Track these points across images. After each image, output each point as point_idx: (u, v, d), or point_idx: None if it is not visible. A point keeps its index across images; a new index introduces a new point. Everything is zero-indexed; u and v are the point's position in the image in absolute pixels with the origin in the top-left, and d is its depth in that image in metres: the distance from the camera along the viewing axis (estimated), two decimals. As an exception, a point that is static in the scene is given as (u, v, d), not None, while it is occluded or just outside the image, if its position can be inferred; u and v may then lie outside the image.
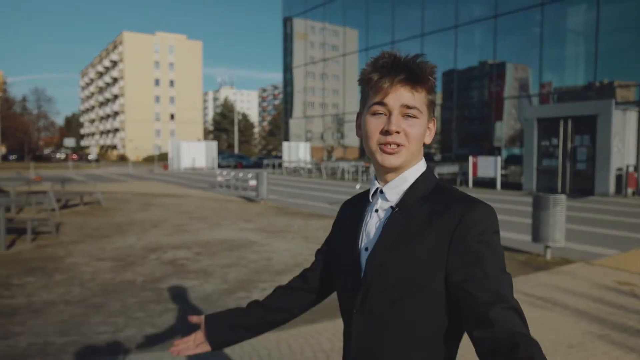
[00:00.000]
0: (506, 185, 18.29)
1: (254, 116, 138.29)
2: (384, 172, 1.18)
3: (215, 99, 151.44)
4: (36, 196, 11.50)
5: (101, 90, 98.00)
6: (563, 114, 15.59)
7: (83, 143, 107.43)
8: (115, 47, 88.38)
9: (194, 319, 1.44)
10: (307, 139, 36.18)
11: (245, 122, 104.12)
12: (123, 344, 3.92)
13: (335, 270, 1.30)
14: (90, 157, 55.29)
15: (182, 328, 4.28)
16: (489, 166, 17.68)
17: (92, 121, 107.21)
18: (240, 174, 18.16)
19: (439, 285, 1.08)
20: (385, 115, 1.13)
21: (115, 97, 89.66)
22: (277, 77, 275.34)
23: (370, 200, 1.23)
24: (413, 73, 1.12)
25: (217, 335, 1.41)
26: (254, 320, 1.44)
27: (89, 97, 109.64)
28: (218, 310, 1.66)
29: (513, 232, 9.02)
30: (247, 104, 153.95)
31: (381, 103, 1.12)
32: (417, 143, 1.15)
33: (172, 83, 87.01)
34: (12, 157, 70.23)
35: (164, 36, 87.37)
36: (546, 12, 19.55)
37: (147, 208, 12.83)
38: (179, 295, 5.24)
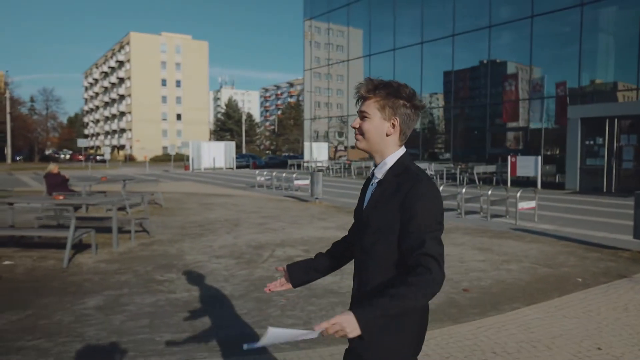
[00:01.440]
0: (544, 185, 18.55)
1: (255, 116, 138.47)
2: (372, 158, 1.83)
3: (216, 99, 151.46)
4: (111, 196, 11.68)
5: (106, 90, 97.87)
6: (608, 114, 15.86)
7: (83, 143, 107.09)
8: (121, 47, 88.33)
9: (280, 268, 2.12)
10: (314, 139, 36.50)
11: (250, 122, 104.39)
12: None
13: (355, 217, 1.92)
14: (105, 157, 55.33)
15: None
16: (529, 165, 17.94)
17: (96, 121, 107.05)
18: (284, 174, 18.36)
19: (397, 229, 1.66)
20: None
21: (122, 97, 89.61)
22: (278, 77, 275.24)
23: (370, 177, 1.87)
24: (359, 92, 1.78)
25: (296, 277, 2.08)
26: (320, 265, 2.10)
27: (92, 98, 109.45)
28: None
29: (605, 232, 9.27)
30: (249, 104, 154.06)
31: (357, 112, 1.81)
32: (372, 134, 1.77)
33: (178, 83, 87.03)
34: (19, 157, 70.29)
35: (171, 36, 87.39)
36: (585, 12, 19.84)
37: (209, 207, 13.02)
38: (330, 290, 5.46)
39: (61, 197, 7.82)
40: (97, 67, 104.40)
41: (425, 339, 3.94)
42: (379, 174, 1.78)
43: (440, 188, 12.81)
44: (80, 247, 7.44)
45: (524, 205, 10.30)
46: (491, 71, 24.28)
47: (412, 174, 1.70)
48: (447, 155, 26.24)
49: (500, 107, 24.08)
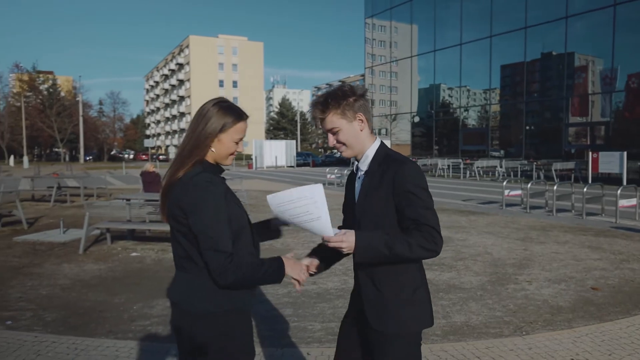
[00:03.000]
0: (628, 182, 17.62)
1: (307, 115, 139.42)
2: (355, 157, 1.97)
3: (268, 99, 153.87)
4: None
5: (167, 92, 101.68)
6: None
7: (149, 143, 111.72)
8: (181, 50, 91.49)
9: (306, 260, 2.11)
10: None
11: (303, 120, 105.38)
12: (462, 328, 4.21)
13: (345, 212, 2.06)
14: (170, 157, 57.62)
15: (506, 314, 4.53)
16: (612, 162, 17.11)
17: (157, 122, 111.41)
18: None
19: (393, 212, 1.83)
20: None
21: (182, 98, 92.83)
22: (330, 76, 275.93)
23: (355, 172, 2.01)
24: (316, 117, 1.92)
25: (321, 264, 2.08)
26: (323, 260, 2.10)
27: (153, 100, 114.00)
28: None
29: None
30: (301, 102, 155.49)
31: (324, 132, 1.95)
32: (350, 139, 1.90)
33: (235, 84, 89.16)
34: (88, 158, 74.40)
35: (227, 38, 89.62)
36: None
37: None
38: (453, 285, 5.51)
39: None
40: (157, 70, 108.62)
41: (577, 336, 3.94)
42: (364, 166, 1.93)
43: (529, 185, 12.44)
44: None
45: (624, 202, 9.89)
46: (567, 64, 23.34)
47: (393, 159, 1.88)
48: (515, 152, 25.47)
49: (577, 100, 23.11)
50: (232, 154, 1.85)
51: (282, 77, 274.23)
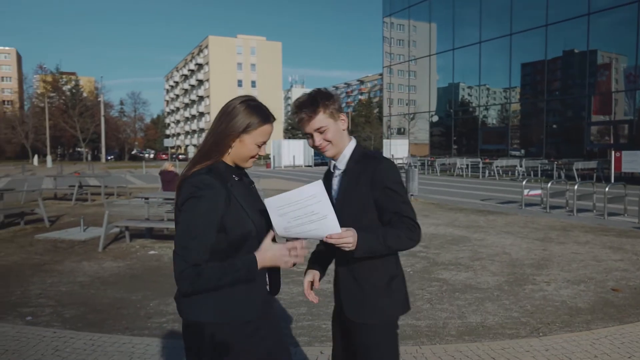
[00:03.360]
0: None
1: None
2: (334, 157, 2.00)
3: (287, 99, 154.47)
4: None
5: (186, 92, 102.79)
6: None
7: (169, 143, 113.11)
8: (200, 50, 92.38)
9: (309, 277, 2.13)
10: (388, 136, 36.14)
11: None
12: (478, 329, 4.16)
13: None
14: (190, 156, 58.32)
15: (515, 313, 4.46)
16: (636, 161, 16.76)
17: (177, 122, 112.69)
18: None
19: (372, 208, 1.91)
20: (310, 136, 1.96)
21: (201, 98, 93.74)
22: (348, 75, 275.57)
23: (332, 170, 2.05)
24: (304, 116, 1.92)
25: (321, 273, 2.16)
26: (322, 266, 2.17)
27: (173, 100, 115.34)
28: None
29: None
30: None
31: (306, 133, 1.96)
32: (336, 137, 1.94)
33: (253, 84, 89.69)
34: (110, 157, 75.69)
35: (246, 38, 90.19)
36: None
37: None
38: (469, 285, 5.45)
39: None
40: (177, 71, 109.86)
41: (596, 337, 3.85)
42: (341, 165, 1.99)
43: (549, 185, 12.25)
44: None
45: (647, 203, 9.65)
46: (589, 61, 22.88)
47: (370, 157, 1.96)
48: (536, 151, 25.07)
49: (600, 99, 22.65)
50: (253, 156, 1.76)
51: (301, 77, 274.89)
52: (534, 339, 3.92)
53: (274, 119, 1.78)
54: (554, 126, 25.41)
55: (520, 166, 21.99)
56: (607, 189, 10.21)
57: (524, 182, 12.30)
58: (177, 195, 1.70)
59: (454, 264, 6.42)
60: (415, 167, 25.95)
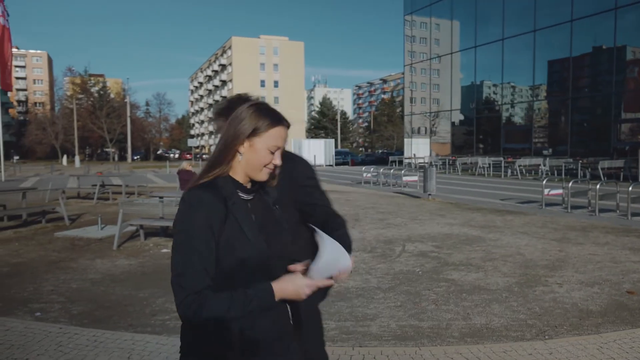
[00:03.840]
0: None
1: (348, 114, 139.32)
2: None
3: (309, 98, 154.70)
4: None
5: (210, 93, 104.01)
6: None
7: (192, 143, 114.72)
8: (224, 51, 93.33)
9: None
10: (410, 135, 35.81)
11: (344, 119, 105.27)
12: (482, 330, 4.07)
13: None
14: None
15: (532, 313, 4.35)
16: (666, 160, 16.21)
17: (201, 122, 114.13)
18: (392, 171, 18.30)
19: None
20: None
21: (224, 99, 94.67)
22: (371, 75, 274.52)
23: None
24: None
25: None
26: None
27: (198, 100, 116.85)
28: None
29: None
30: (342, 101, 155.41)
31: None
32: None
33: (276, 84, 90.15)
34: (136, 157, 77.25)
35: (269, 39, 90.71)
36: None
37: (324, 203, 13.33)
38: (478, 286, 5.35)
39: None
40: (201, 72, 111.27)
41: (604, 341, 3.73)
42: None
43: (570, 184, 11.94)
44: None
45: (673, 202, 9.32)
46: (617, 58, 22.21)
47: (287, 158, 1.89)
48: (561, 150, 24.46)
49: (629, 96, 21.95)
50: (267, 165, 1.54)
51: (324, 77, 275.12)
52: (538, 342, 3.82)
53: (288, 123, 1.60)
54: (580, 124, 24.77)
55: (544, 165, 21.51)
56: (630, 189, 9.90)
57: (544, 182, 12.03)
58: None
59: (465, 264, 6.32)
60: (434, 166, 25.67)
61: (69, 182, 20.72)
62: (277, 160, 1.56)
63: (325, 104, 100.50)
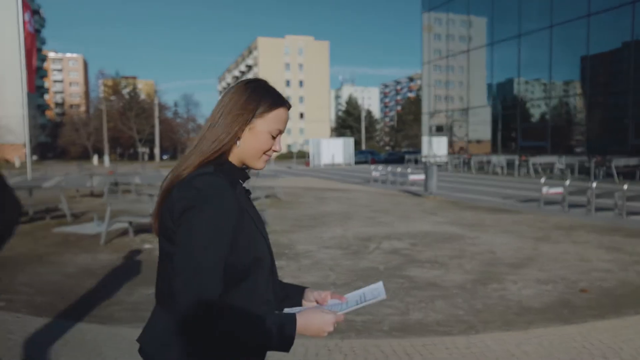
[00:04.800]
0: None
1: (375, 112, 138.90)
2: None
3: (337, 97, 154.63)
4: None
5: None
6: None
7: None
8: (250, 52, 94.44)
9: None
10: (434, 134, 35.42)
11: (369, 118, 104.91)
12: (413, 326, 4.15)
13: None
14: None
15: (460, 312, 4.41)
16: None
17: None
18: (399, 169, 18.28)
19: None
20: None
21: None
22: (398, 73, 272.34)
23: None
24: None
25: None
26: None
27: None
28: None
29: None
30: (369, 100, 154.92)
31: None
32: None
33: (301, 83, 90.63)
34: (165, 157, 79.10)
35: (294, 39, 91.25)
36: None
37: (324, 201, 13.48)
38: (433, 283, 5.41)
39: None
40: (229, 72, 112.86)
41: (527, 337, 3.77)
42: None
43: (567, 182, 11.80)
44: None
45: (669, 201, 9.08)
46: (635, 53, 21.46)
47: None
48: (581, 149, 23.80)
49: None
50: (266, 152, 1.36)
51: (351, 75, 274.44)
52: (461, 337, 3.88)
53: (289, 104, 1.41)
54: (594, 122, 23.99)
55: (561, 164, 21.03)
56: (625, 187, 9.68)
57: (542, 180, 11.85)
58: (165, 201, 1.28)
59: (431, 261, 6.37)
60: (440, 164, 25.30)
61: (87, 182, 21.49)
62: (277, 146, 1.37)
63: (351, 103, 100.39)
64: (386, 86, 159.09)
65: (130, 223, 8.38)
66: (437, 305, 4.67)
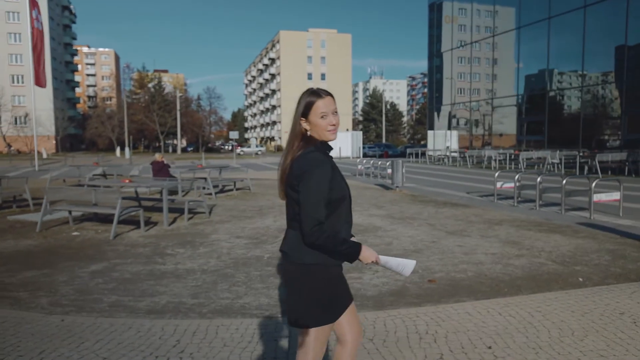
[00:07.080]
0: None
1: (402, 105, 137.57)
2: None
3: (365, 90, 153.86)
4: (198, 181, 13.15)
5: (261, 86, 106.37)
6: None
7: (233, 136, 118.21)
8: (273, 45, 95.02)
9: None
10: (453, 127, 34.91)
11: (393, 111, 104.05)
12: (238, 309, 4.41)
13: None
14: (249, 148, 60.72)
15: (292, 300, 4.63)
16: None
17: (254, 115, 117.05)
18: (379, 162, 18.37)
19: None
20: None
21: (273, 92, 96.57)
22: (426, 66, 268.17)
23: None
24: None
25: None
26: None
27: (251, 94, 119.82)
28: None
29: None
30: (397, 93, 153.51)
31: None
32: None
33: (323, 76, 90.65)
34: (190, 149, 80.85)
35: (316, 32, 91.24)
36: None
37: (289, 194, 13.75)
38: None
39: (127, 181, 9.19)
40: (254, 66, 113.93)
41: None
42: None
43: (517, 176, 11.57)
44: (147, 223, 8.60)
45: (602, 197, 8.97)
46: (629, 49, 20.68)
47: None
48: (575, 142, 23.14)
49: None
50: (328, 128, 2.14)
51: (380, 68, 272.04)
52: (231, 320, 4.11)
53: (320, 94, 2.16)
54: (588, 116, 23.19)
55: (553, 158, 20.61)
56: (564, 182, 9.59)
57: (496, 175, 11.80)
58: (295, 169, 2.11)
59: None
60: (440, 159, 24.83)
61: (75, 172, 22.38)
62: (332, 119, 2.14)
63: (375, 95, 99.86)
64: (413, 79, 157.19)
65: (70, 212, 8.88)
66: (271, 293, 4.90)
